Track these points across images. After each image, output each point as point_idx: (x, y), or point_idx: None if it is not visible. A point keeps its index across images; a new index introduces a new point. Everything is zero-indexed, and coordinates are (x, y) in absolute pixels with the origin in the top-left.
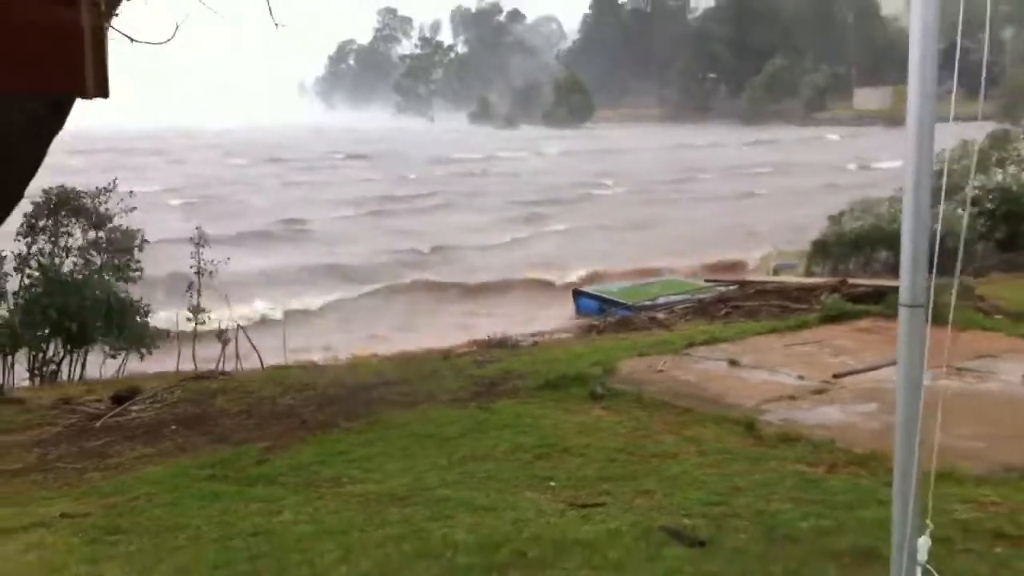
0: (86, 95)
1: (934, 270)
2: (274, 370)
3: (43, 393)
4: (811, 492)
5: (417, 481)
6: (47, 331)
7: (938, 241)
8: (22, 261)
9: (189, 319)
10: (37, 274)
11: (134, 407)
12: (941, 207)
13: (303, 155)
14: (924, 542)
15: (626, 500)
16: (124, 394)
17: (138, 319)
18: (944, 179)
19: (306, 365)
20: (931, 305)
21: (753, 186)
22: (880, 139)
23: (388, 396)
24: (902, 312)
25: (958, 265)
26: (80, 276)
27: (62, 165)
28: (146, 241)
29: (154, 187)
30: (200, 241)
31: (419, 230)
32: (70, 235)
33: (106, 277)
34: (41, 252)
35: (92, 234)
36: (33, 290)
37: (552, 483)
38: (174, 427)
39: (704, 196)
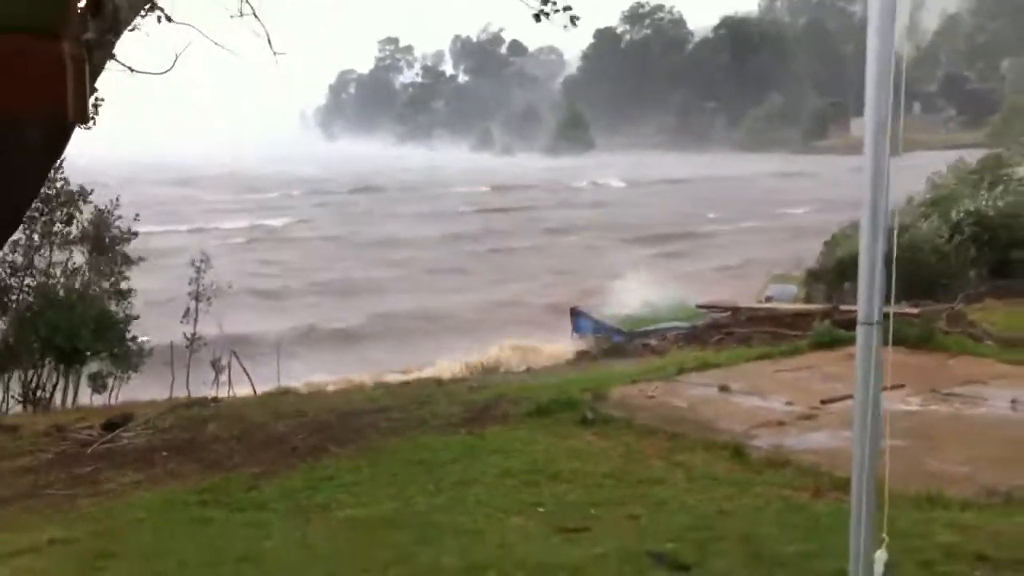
0: (66, 121)
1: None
2: (266, 396)
3: (37, 420)
4: (797, 516)
5: (406, 506)
6: (39, 348)
7: (893, 263)
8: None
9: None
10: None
11: (126, 434)
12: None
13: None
14: (880, 555)
15: (613, 525)
16: (116, 420)
17: (128, 338)
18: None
19: (298, 391)
20: (890, 325)
21: None
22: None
23: (379, 422)
24: (859, 330)
25: (892, 286)
26: (72, 292)
27: None
28: (134, 233)
29: None
30: (202, 265)
31: None
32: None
33: (95, 290)
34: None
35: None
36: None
37: (540, 508)
38: (165, 453)
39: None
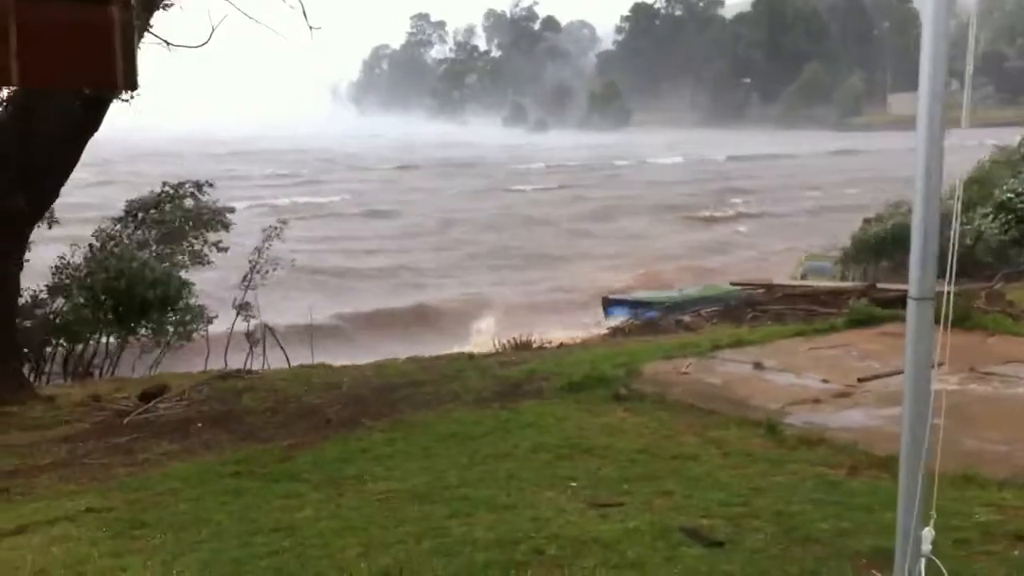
0: (116, 89)
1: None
2: (300, 369)
3: (73, 391)
4: (831, 494)
5: (438, 479)
6: (94, 308)
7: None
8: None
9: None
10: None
11: (162, 404)
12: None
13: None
14: (928, 533)
15: (646, 500)
16: (152, 391)
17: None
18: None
19: (331, 365)
20: (950, 303)
21: None
22: None
23: (412, 396)
24: (910, 305)
25: (952, 263)
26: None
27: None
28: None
29: None
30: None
31: None
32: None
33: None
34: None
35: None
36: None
37: (573, 483)
38: (200, 424)
39: None
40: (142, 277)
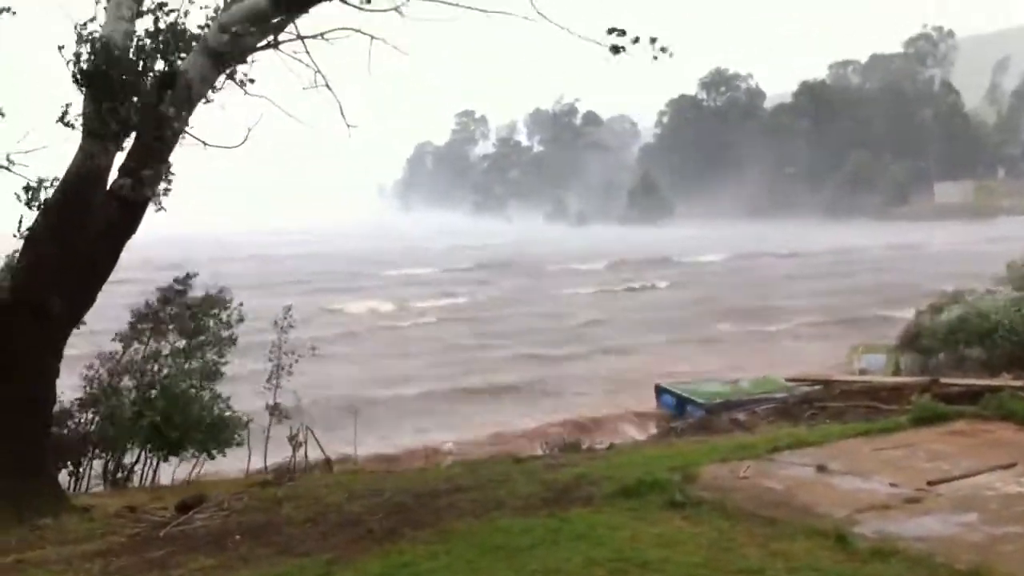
0: None
1: None
2: (342, 475)
3: (111, 501)
4: None
5: None
6: (143, 437)
7: None
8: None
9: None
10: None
11: (199, 515)
12: None
13: None
14: None
15: None
16: (190, 502)
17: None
18: None
19: (375, 469)
20: None
21: None
22: None
23: (457, 503)
24: None
25: None
26: (178, 385)
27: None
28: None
29: None
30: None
31: None
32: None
33: (195, 384)
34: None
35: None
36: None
37: None
38: (238, 537)
39: None
40: (198, 411)
